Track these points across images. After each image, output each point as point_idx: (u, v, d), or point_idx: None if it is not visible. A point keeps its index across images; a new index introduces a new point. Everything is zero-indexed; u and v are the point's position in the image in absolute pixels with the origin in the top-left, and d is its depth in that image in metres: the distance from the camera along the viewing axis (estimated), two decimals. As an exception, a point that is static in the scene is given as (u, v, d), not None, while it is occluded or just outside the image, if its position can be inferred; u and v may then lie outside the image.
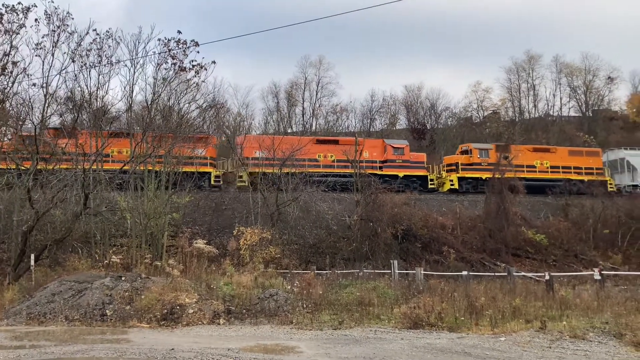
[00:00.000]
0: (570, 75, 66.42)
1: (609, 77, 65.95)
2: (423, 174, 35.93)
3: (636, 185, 39.40)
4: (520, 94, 66.44)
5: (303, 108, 63.73)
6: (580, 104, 67.01)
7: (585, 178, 38.16)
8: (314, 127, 61.48)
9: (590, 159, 39.90)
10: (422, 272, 19.71)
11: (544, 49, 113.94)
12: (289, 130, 59.02)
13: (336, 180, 29.50)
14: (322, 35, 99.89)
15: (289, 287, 14.97)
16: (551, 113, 66.27)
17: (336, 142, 35.42)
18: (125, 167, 21.04)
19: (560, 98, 66.70)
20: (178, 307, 12.79)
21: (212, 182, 31.42)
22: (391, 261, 21.22)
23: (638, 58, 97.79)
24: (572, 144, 46.89)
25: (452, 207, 32.45)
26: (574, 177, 38.14)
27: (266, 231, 23.13)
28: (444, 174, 37.27)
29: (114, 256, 18.74)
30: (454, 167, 37.11)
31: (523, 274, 21.93)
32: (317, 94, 63.62)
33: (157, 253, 20.09)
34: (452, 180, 36.29)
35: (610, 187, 38.75)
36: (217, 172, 32.62)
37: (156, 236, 20.47)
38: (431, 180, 36.19)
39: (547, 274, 16.83)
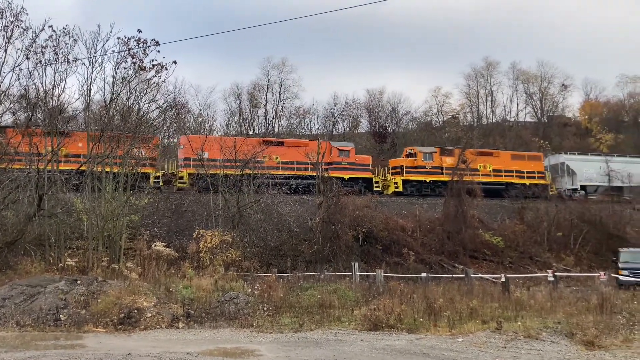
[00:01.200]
0: (527, 82, 68.49)
1: (563, 85, 68.35)
2: (368, 176, 35.97)
3: (575, 189, 40.68)
4: (478, 99, 68.16)
5: (266, 110, 63.68)
6: (536, 110, 69.17)
7: (527, 182, 39.37)
8: (276, 129, 61.40)
9: (532, 163, 41.09)
10: (383, 274, 19.93)
11: (501, 56, 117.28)
12: (251, 132, 58.75)
13: (282, 182, 28.78)
14: (285, 37, 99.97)
15: (250, 290, 14.85)
16: (508, 118, 68.17)
17: (282, 143, 35.06)
18: (82, 168, 20.47)
19: (517, 104, 68.74)
20: (136, 311, 12.51)
21: (151, 183, 29.72)
22: (352, 263, 21.37)
23: (590, 67, 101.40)
24: (528, 149, 48.23)
25: (412, 210, 32.91)
26: (515, 180, 39.17)
27: (227, 234, 22.89)
28: (389, 176, 37.49)
29: (69, 259, 18.17)
30: (398, 170, 37.46)
31: (480, 275, 22.40)
32: (279, 96, 63.66)
33: (115, 256, 19.61)
34: (396, 183, 36.56)
35: (552, 191, 40.03)
36: (158, 173, 31.62)
37: (114, 239, 19.98)
38: (376, 182, 36.26)
39: (503, 275, 17.30)
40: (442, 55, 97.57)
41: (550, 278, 17.93)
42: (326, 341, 10.48)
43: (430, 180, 37.37)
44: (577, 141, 59.71)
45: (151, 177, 29.48)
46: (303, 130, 61.53)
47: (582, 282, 21.93)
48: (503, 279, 16.86)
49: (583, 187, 40.93)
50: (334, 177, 33.10)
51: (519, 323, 11.34)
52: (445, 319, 11.96)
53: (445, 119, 65.91)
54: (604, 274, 19.44)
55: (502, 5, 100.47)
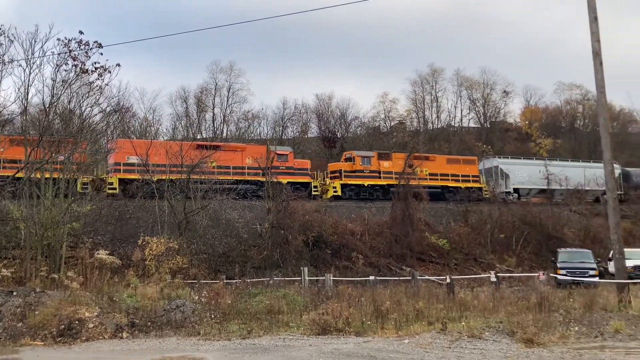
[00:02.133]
0: (470, 89, 70.73)
1: (505, 91, 70.94)
2: (307, 180, 35.88)
3: (509, 192, 42.14)
4: (424, 105, 69.84)
5: (213, 114, 63.04)
6: (479, 115, 71.52)
7: (462, 185, 40.63)
8: (224, 134, 60.80)
9: (467, 167, 42.31)
10: (332, 278, 20.02)
11: (446, 63, 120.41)
12: (199, 136, 57.94)
13: (222, 187, 28.20)
14: (234, 41, 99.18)
15: (197, 297, 14.62)
16: (453, 124, 70.17)
17: (218, 147, 33.95)
18: (18, 175, 19.64)
19: (461, 110, 70.88)
20: (77, 322, 12.07)
21: (79, 189, 28.74)
22: (302, 268, 21.36)
23: (530, 74, 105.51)
24: (472, 153, 49.70)
25: (361, 214, 33.24)
26: (451, 184, 40.25)
27: (173, 241, 22.47)
28: (327, 180, 37.65)
29: (4, 270, 17.39)
30: (337, 174, 37.72)
31: (426, 277, 22.83)
32: (228, 100, 63.18)
33: (55, 265, 18.88)
34: (335, 187, 36.77)
35: (486, 194, 41.41)
36: (85, 179, 30.25)
37: (54, 247, 19.25)
38: (315, 187, 36.28)
39: (448, 277, 17.70)
40: (389, 61, 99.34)
41: (493, 279, 18.49)
42: (274, 347, 10.44)
43: (368, 184, 37.89)
44: (518, 146, 62.02)
45: (78, 182, 28.26)
46: (252, 135, 61.27)
47: (523, 282, 22.67)
48: (448, 280, 17.26)
49: (516, 190, 42.47)
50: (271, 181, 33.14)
51: (463, 323, 11.65)
52: (392, 321, 12.14)
53: (392, 124, 67.22)
54: (543, 274, 20.20)
55: (446, 13, 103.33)
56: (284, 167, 34.88)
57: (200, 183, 26.99)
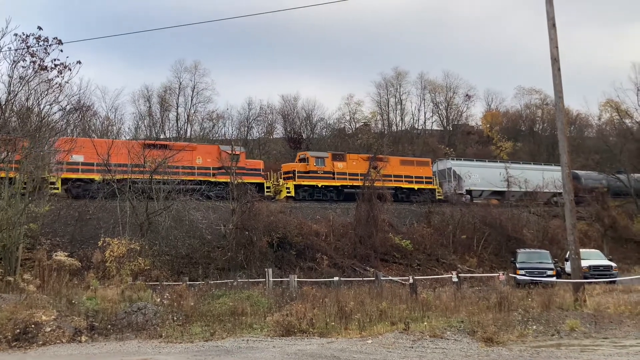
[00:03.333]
0: (434, 92, 71.79)
1: (467, 95, 72.32)
2: (259, 181, 35.43)
3: (461, 194, 42.87)
4: (389, 107, 70.49)
5: (177, 114, 62.27)
6: (442, 118, 72.62)
7: (415, 186, 41.25)
8: (188, 134, 60.09)
9: (421, 169, 42.78)
10: (296, 279, 20.01)
11: (410, 66, 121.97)
12: (162, 136, 57.10)
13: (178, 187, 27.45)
14: (198, 40, 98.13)
15: (159, 299, 14.39)
16: (416, 126, 71.04)
17: (165, 147, 32.65)
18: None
19: (425, 113, 71.88)
20: (33, 326, 11.70)
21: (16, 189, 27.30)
22: (266, 269, 21.28)
23: (491, 78, 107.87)
24: (435, 155, 50.43)
25: (326, 215, 33.35)
26: (404, 185, 40.60)
27: (135, 242, 22.04)
28: (281, 181, 37.52)
29: (-44, 272, 16.75)
30: (291, 175, 37.61)
31: (390, 278, 23.05)
32: (192, 100, 62.49)
33: (11, 267, 18.27)
34: (288, 188, 36.68)
35: (439, 195, 42.11)
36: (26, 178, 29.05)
37: (9, 249, 18.63)
38: (268, 187, 35.93)
39: (411, 277, 17.89)
40: (354, 63, 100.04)
41: (455, 279, 18.79)
42: (237, 349, 10.36)
43: (322, 185, 37.97)
44: (479, 148, 63.28)
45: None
46: (217, 135, 60.68)
47: (484, 282, 23.15)
48: (411, 280, 17.46)
49: (469, 192, 43.20)
50: (222, 182, 32.84)
51: (425, 323, 11.80)
52: (355, 322, 12.20)
53: (357, 126, 67.60)
54: (503, 274, 20.59)
55: (411, 17, 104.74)
56: (236, 167, 33.61)
57: (158, 183, 26.40)
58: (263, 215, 27.90)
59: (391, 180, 39.68)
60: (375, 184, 33.77)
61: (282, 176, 38.12)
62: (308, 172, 37.83)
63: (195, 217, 27.71)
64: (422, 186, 41.57)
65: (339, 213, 34.51)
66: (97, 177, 27.47)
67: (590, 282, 18.65)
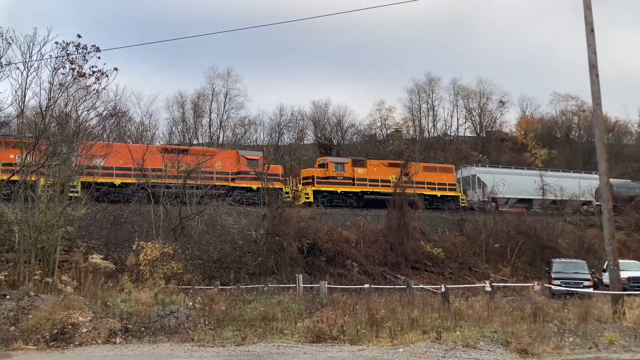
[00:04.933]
0: (467, 98, 70.85)
1: (501, 101, 71.15)
2: (278, 186, 34.48)
3: (486, 201, 41.91)
4: (420, 113, 69.85)
5: (210, 119, 63.08)
6: (475, 125, 71.60)
7: (438, 193, 40.56)
8: (221, 139, 60.86)
9: (444, 175, 42.04)
10: (326, 285, 19.99)
11: (443, 72, 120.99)
12: (195, 142, 57.93)
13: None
14: (231, 47, 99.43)
15: (191, 303, 14.57)
16: (449, 133, 70.26)
17: (186, 152, 32.45)
18: (13, 178, 19.55)
19: (457, 119, 70.97)
20: (70, 327, 12.01)
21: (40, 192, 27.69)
22: (296, 275, 21.33)
23: (526, 84, 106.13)
24: (467, 162, 49.78)
25: (356, 221, 33.24)
26: (427, 192, 39.59)
27: (168, 246, 22.39)
28: (300, 187, 37.23)
29: (-3, 273, 17.30)
30: (310, 180, 37.31)
31: (421, 286, 22.83)
32: (224, 106, 63.24)
33: (49, 269, 18.76)
34: (307, 194, 36.28)
35: (463, 202, 41.27)
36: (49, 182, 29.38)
37: (48, 251, 19.14)
38: (286, 192, 35.54)
39: (443, 286, 17.71)
40: (386, 69, 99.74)
41: (488, 288, 18.53)
42: (268, 354, 10.41)
43: (341, 191, 37.63)
44: (513, 155, 62.24)
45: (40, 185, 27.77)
46: (248, 141, 61.26)
47: (517, 292, 22.73)
48: (443, 289, 17.27)
49: (494, 199, 41.96)
50: (241, 187, 33.35)
51: (458, 333, 11.65)
52: (387, 330, 12.13)
53: (388, 132, 67.28)
54: (538, 284, 20.25)
55: (443, 22, 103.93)
56: (254, 172, 33.92)
57: (167, 187, 26.77)
58: (293, 221, 27.98)
59: (413, 187, 39.19)
60: (406, 191, 33.55)
61: (301, 182, 37.93)
62: (327, 178, 37.64)
63: (227, 222, 27.94)
64: (445, 193, 41.00)
65: (369, 220, 34.34)
66: (116, 180, 28.67)
67: (630, 294, 18.10)
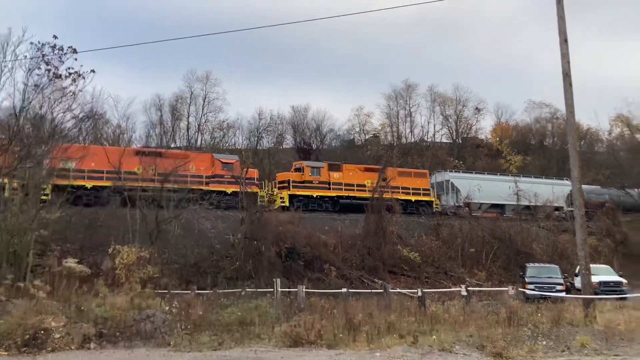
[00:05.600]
0: (443, 105, 71.55)
1: (477, 108, 71.98)
2: (253, 190, 34.19)
3: (460, 206, 42.38)
4: (398, 119, 70.39)
5: (188, 123, 62.68)
6: (451, 131, 72.31)
7: (413, 198, 40.90)
8: (199, 143, 60.46)
9: (419, 180, 42.44)
10: (304, 290, 19.95)
11: (420, 79, 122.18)
12: (172, 145, 57.43)
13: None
14: (210, 50, 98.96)
15: (168, 308, 14.36)
16: (426, 139, 70.85)
17: (160, 154, 32.46)
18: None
19: (434, 125, 71.59)
20: (42, 332, 11.71)
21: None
22: (274, 280, 21.24)
23: (501, 92, 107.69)
24: (444, 168, 50.25)
25: (335, 226, 33.32)
26: (401, 196, 39.48)
27: (144, 250, 22.12)
28: (275, 190, 37.16)
29: (-33, 277, 16.83)
30: (286, 184, 37.36)
31: (398, 290, 22.91)
32: (203, 109, 62.94)
33: (21, 273, 18.35)
34: (282, 198, 36.25)
35: (436, 207, 41.74)
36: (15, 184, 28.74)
37: (20, 255, 18.72)
38: (261, 197, 35.32)
39: (419, 290, 17.79)
40: (365, 75, 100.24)
41: (464, 293, 18.66)
42: (246, 359, 10.33)
43: (317, 196, 37.74)
44: (488, 162, 62.98)
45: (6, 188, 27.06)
46: (227, 145, 60.99)
47: (492, 297, 22.93)
48: (419, 293, 17.35)
49: (467, 204, 42.44)
50: (216, 190, 33.14)
51: (434, 337, 11.71)
52: (364, 334, 12.12)
53: (367, 137, 67.62)
54: (512, 289, 20.46)
55: (422, 30, 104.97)
56: (229, 176, 34.04)
57: (143, 191, 26.58)
58: (272, 226, 27.94)
59: (389, 192, 39.32)
60: (383, 196, 33.74)
61: (277, 185, 37.87)
62: (303, 182, 37.66)
63: (205, 226, 27.78)
64: (420, 198, 41.38)
65: (347, 224, 34.48)
66: (89, 183, 28.94)
67: (601, 298, 18.43)
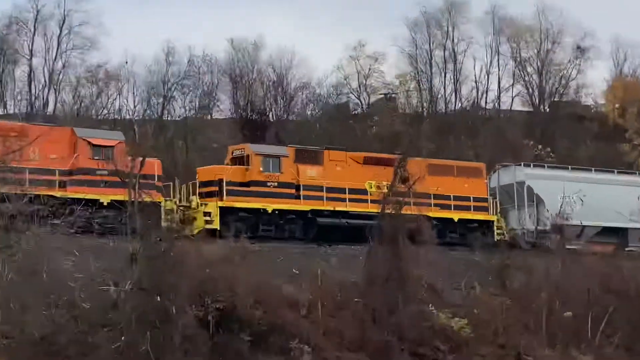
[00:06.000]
0: (516, 40, 71.50)
1: (579, 48, 72.09)
2: (153, 199, 32.66)
3: (545, 231, 42.75)
4: (431, 67, 70.28)
5: (31, 70, 62.33)
6: (530, 90, 72.11)
7: (456, 215, 41.60)
8: (51, 107, 60.35)
9: (468, 182, 43.02)
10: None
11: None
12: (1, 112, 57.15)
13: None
14: None
15: None
16: (483, 104, 70.76)
17: None
18: None
19: (498, 77, 71.63)
20: None
21: None
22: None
23: (623, 21, 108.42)
24: (514, 159, 50.27)
25: (310, 266, 33.25)
26: (436, 212, 39.92)
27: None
28: (195, 199, 36.69)
29: None
30: (215, 188, 37.30)
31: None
32: (60, 44, 62.61)
33: None
34: (209, 214, 36.16)
35: (500, 233, 42.28)
36: None
37: None
38: (169, 211, 34.45)
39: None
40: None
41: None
42: None
43: (275, 210, 37.73)
44: (599, 147, 63.56)
45: None
46: (105, 113, 60.85)
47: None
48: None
49: (558, 228, 41.86)
50: (76, 198, 32.63)
51: None
52: None
53: (372, 100, 67.65)
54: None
55: None
56: (107, 172, 33.24)
57: None
58: (190, 266, 27.83)
59: (413, 203, 38.43)
60: (403, 211, 33.77)
61: (199, 190, 37.45)
62: (248, 184, 37.77)
63: (61, 267, 27.60)
64: (470, 215, 42.06)
65: (334, 264, 34.46)
66: None
67: None
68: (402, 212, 33.51)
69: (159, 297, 26.77)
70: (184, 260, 27.78)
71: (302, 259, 34.62)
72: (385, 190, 35.91)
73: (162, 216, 33.60)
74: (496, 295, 35.19)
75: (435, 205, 40.61)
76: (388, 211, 33.71)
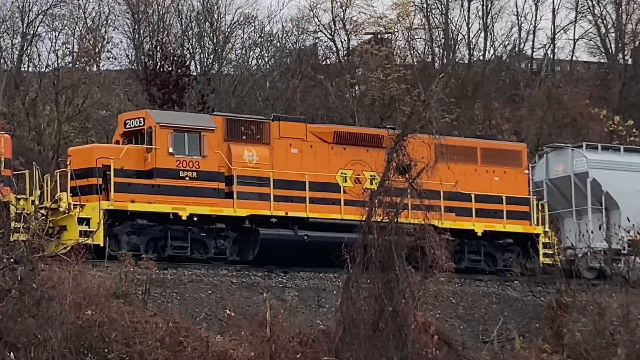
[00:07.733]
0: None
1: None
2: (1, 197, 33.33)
3: (619, 252, 42.18)
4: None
5: None
6: (604, 29, 73.10)
7: (483, 225, 42.30)
8: None
9: (496, 171, 44.05)
10: None
11: None
12: None
13: None
14: None
15: None
16: (526, 49, 71.41)
17: None
18: None
19: (554, 13, 72.50)
20: None
21: None
22: None
23: None
24: (573, 139, 50.52)
25: (254, 304, 33.27)
26: (450, 221, 40.46)
27: None
28: (65, 197, 36.82)
29: None
30: (97, 181, 37.59)
31: None
32: None
33: None
34: (85, 221, 36.39)
35: (547, 253, 42.99)
36: None
37: None
38: (24, 213, 33.00)
39: None
40: None
41: None
42: None
43: (193, 216, 38.18)
44: None
45: None
46: None
47: None
48: None
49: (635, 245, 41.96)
50: None
51: None
52: None
53: (353, 43, 68.04)
54: None
55: None
56: None
57: None
58: (63, 305, 27.74)
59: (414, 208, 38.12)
60: (399, 219, 33.69)
61: (71, 182, 37.32)
62: (150, 174, 38.16)
63: None
64: (499, 226, 42.63)
65: (291, 300, 34.43)
66: None
67: None
68: (398, 220, 33.44)
69: (12, 355, 26.65)
70: (52, 295, 27.63)
71: (241, 294, 34.56)
72: (371, 185, 35.81)
73: (13, 224, 33.13)
74: (548, 353, 35.34)
75: (449, 209, 40.84)
76: (376, 219, 33.57)
